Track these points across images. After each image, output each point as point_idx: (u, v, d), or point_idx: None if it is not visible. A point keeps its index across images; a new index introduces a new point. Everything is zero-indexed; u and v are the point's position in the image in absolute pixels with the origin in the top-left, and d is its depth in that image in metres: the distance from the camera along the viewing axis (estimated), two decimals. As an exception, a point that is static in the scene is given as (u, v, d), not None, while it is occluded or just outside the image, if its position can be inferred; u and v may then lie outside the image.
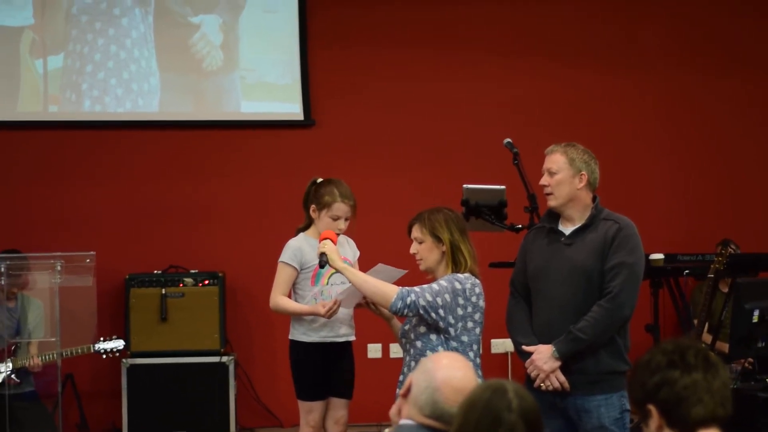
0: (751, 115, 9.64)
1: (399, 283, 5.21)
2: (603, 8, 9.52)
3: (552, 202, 5.23)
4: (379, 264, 5.37)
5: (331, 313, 5.71)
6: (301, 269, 5.92)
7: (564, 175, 5.18)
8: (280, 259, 5.94)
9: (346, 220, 5.89)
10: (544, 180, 5.23)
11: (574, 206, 5.22)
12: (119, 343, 7.83)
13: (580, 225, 5.21)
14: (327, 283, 5.92)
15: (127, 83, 9.00)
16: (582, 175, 5.19)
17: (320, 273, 5.88)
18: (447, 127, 9.27)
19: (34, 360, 7.72)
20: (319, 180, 6.02)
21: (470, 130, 9.24)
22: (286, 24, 9.16)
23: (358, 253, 6.10)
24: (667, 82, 9.52)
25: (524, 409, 2.94)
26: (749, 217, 9.52)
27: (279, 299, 5.92)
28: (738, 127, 9.62)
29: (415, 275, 5.35)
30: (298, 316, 5.94)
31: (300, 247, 5.93)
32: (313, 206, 5.94)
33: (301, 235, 6.02)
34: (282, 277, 5.93)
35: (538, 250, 5.30)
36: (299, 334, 5.95)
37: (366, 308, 5.56)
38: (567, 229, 5.24)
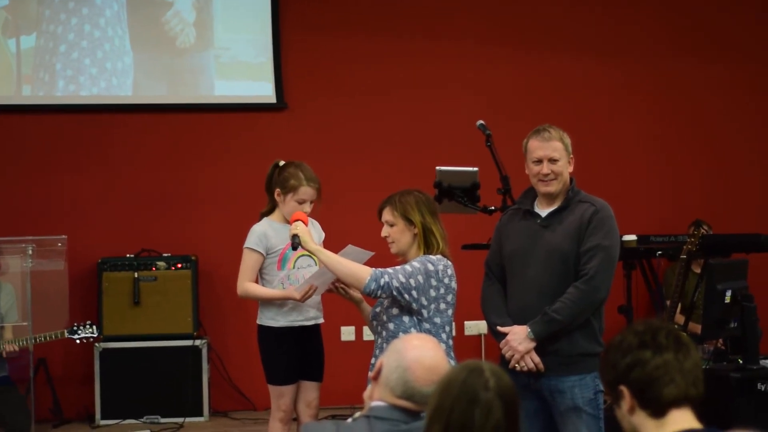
0: (731, 100, 9.69)
1: (368, 265, 5.19)
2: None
3: (551, 188, 5.17)
4: (349, 245, 5.36)
5: (305, 297, 5.69)
6: (267, 254, 5.87)
7: (564, 162, 5.17)
8: (246, 245, 5.89)
9: (311, 203, 5.87)
10: (546, 168, 5.16)
11: (562, 189, 5.22)
12: (93, 331, 7.78)
13: (556, 207, 5.20)
14: (294, 267, 5.89)
15: (101, 63, 8.95)
16: (572, 158, 5.21)
17: (286, 257, 5.86)
18: (420, 112, 9.26)
19: (10, 346, 7.65)
20: (282, 163, 5.98)
21: (443, 114, 9.24)
22: (260, 3, 9.11)
23: (323, 236, 6.05)
24: (649, 68, 9.55)
25: (501, 389, 2.94)
26: (723, 197, 9.56)
27: (247, 285, 5.88)
28: (717, 111, 9.68)
29: (385, 258, 5.34)
30: (266, 301, 5.91)
31: (264, 232, 5.89)
32: (277, 190, 5.90)
33: (265, 219, 5.98)
34: (248, 263, 5.89)
35: (513, 232, 5.29)
36: (267, 319, 5.92)
37: (335, 293, 5.54)
38: (543, 211, 5.23)
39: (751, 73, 9.70)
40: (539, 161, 5.17)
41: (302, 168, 5.90)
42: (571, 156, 5.21)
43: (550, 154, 5.16)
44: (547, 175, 5.17)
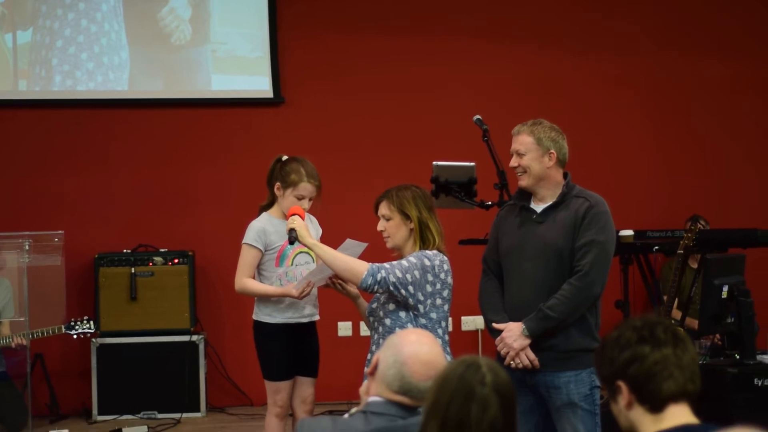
0: (726, 95, 9.68)
1: (363, 259, 5.19)
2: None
3: (523, 182, 5.22)
4: (348, 240, 5.36)
5: (304, 294, 5.69)
6: (266, 250, 5.87)
7: (532, 156, 5.16)
8: (244, 241, 5.88)
9: (310, 200, 5.86)
10: (514, 161, 5.21)
11: (545, 185, 5.20)
12: (90, 326, 7.77)
13: (551, 203, 5.20)
14: (292, 264, 5.89)
15: (98, 57, 8.94)
16: (551, 153, 5.17)
17: (285, 254, 5.86)
18: (416, 107, 9.25)
19: (18, 338, 7.63)
20: (285, 158, 5.98)
21: (440, 109, 9.23)
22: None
23: (320, 232, 6.04)
24: (644, 64, 9.54)
25: (498, 384, 2.93)
26: (720, 192, 9.56)
27: (246, 282, 5.88)
28: (713, 105, 9.67)
29: (380, 251, 5.33)
30: (264, 297, 5.91)
31: (263, 228, 5.88)
32: (278, 184, 5.89)
33: (264, 215, 5.97)
34: (246, 259, 5.88)
35: (510, 228, 5.29)
36: (264, 315, 5.92)
37: (332, 288, 5.53)
38: (538, 206, 5.23)
39: (746, 69, 9.69)
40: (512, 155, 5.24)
41: (304, 164, 5.89)
42: (551, 151, 5.17)
43: (517, 147, 5.21)
44: (516, 168, 5.20)
